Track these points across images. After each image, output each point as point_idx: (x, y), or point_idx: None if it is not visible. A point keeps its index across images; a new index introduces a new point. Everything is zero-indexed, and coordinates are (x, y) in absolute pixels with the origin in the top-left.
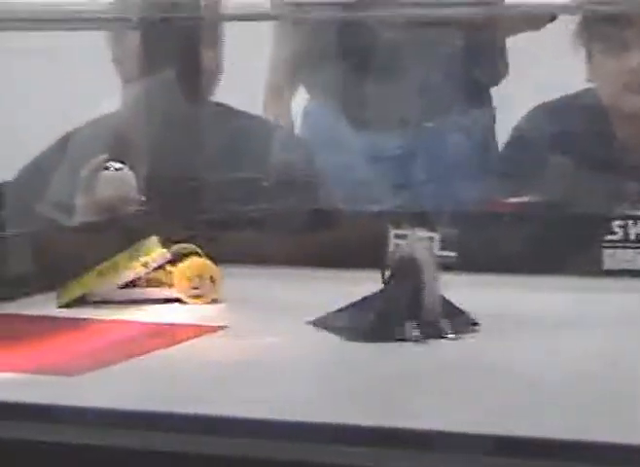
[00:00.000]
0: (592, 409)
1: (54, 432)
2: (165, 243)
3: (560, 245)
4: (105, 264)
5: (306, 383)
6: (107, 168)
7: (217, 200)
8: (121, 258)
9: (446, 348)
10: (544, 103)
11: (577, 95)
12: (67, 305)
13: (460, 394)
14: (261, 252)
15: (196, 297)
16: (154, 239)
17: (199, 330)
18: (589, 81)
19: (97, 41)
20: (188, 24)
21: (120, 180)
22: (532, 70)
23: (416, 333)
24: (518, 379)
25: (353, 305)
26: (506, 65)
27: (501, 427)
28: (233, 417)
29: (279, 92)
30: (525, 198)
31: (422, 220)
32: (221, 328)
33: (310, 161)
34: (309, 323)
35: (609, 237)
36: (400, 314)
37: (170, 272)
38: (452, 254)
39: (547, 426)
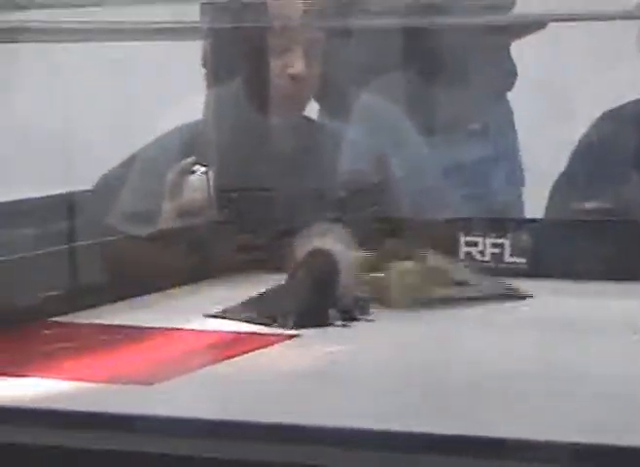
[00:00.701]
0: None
1: (135, 442)
2: None
3: (631, 252)
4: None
5: None
6: (193, 172)
7: (288, 210)
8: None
9: None
10: (610, 110)
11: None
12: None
13: None
14: None
15: None
16: None
17: (272, 339)
18: None
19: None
20: (257, 34)
21: (205, 183)
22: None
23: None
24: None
25: (267, 295)
26: (515, 70)
27: None
28: (312, 426)
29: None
30: (596, 205)
31: (493, 226)
32: (293, 337)
33: (382, 171)
34: (211, 315)
35: None
36: (323, 302)
37: None
38: (523, 260)
39: None
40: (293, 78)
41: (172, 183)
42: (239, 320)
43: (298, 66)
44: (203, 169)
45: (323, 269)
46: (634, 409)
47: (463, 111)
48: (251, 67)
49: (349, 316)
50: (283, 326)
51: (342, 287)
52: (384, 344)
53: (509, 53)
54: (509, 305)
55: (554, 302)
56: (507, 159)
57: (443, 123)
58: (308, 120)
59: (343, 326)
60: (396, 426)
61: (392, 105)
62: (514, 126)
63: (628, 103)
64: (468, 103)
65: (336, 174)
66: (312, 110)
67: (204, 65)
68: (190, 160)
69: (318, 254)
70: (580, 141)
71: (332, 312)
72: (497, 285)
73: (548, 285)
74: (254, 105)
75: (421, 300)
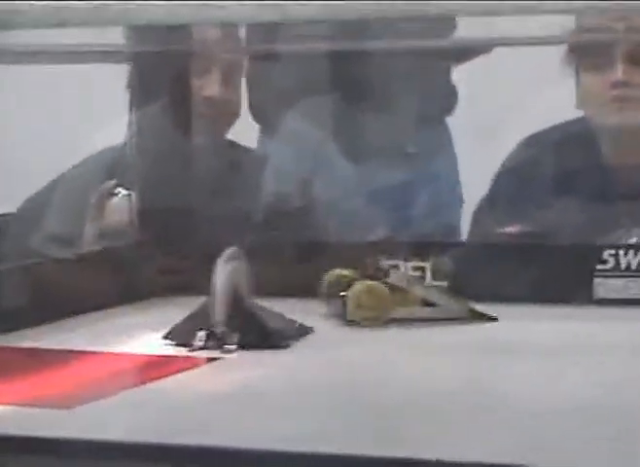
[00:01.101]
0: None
1: (52, 465)
2: None
3: (553, 275)
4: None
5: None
6: (116, 194)
7: (211, 232)
8: None
9: None
10: (533, 134)
11: (566, 124)
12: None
13: None
14: (253, 283)
15: None
16: None
17: (192, 362)
18: (579, 107)
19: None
20: (180, 58)
21: (127, 206)
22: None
23: (201, 342)
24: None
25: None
26: (456, 94)
27: None
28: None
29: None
30: (517, 229)
31: (414, 250)
32: (213, 360)
33: (303, 193)
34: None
35: (600, 267)
36: (194, 324)
37: None
38: (444, 284)
39: None
40: (207, 100)
41: (94, 205)
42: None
43: (213, 89)
44: (126, 192)
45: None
46: (547, 430)
47: (394, 135)
48: (174, 90)
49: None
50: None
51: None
52: (311, 367)
53: (448, 77)
54: (439, 328)
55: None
56: (444, 181)
57: (373, 146)
58: (232, 143)
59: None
60: (309, 448)
61: (316, 129)
62: (452, 149)
63: (552, 128)
64: (399, 127)
65: (259, 197)
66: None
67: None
68: (112, 182)
69: None
70: (502, 165)
71: (199, 335)
72: (463, 307)
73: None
74: (177, 128)
75: (382, 319)
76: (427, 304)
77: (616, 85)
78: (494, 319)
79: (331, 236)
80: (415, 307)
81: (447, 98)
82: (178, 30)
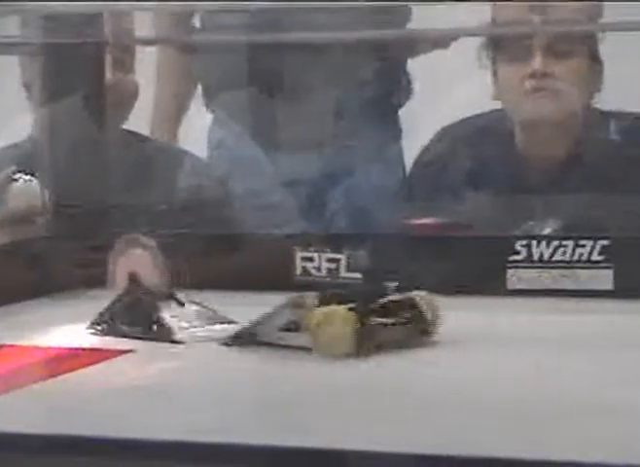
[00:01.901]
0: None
1: None
2: None
3: (466, 266)
4: None
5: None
6: (16, 180)
7: (124, 225)
8: None
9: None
10: (449, 125)
11: (481, 116)
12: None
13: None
14: (170, 274)
15: None
16: None
17: (104, 354)
18: (496, 98)
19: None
20: (93, 49)
21: (30, 191)
22: (438, 91)
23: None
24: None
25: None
26: (410, 87)
27: None
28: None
29: (169, 118)
30: (432, 220)
31: (329, 242)
32: (125, 352)
33: (218, 186)
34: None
35: (512, 257)
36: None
37: None
38: (358, 276)
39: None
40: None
41: None
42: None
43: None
44: (27, 177)
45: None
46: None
47: (327, 127)
48: (89, 81)
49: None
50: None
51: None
52: (218, 362)
53: (402, 69)
54: None
55: None
56: (388, 173)
57: (301, 137)
58: (137, 134)
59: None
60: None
61: (235, 124)
62: (398, 142)
63: (467, 119)
64: (335, 119)
65: (175, 189)
66: None
67: (26, 83)
68: (11, 168)
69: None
70: (418, 157)
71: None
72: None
73: None
74: (89, 119)
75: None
76: None
77: (533, 75)
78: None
79: (246, 230)
80: None
81: (396, 91)
82: (92, 20)
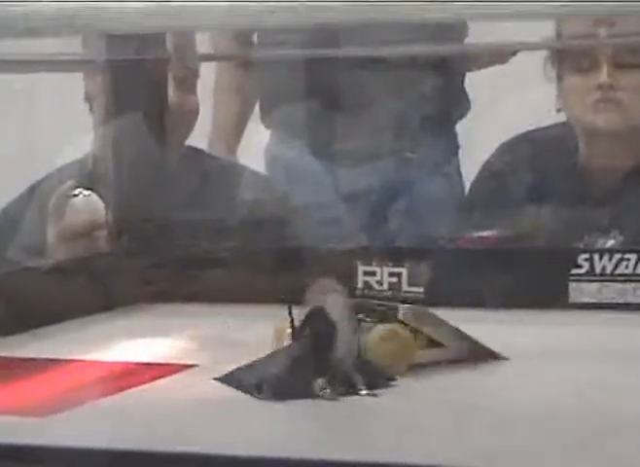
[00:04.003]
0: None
1: None
2: None
3: (530, 280)
4: None
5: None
6: (76, 195)
7: (186, 241)
8: None
9: None
10: (512, 138)
11: (545, 129)
12: None
13: None
14: (231, 291)
15: None
16: None
17: (170, 369)
18: (561, 110)
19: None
20: (155, 66)
21: (90, 205)
22: (499, 106)
23: (326, 390)
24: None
25: (261, 360)
26: (468, 101)
27: None
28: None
29: (228, 135)
30: (494, 233)
31: (391, 256)
32: (190, 367)
33: (279, 201)
34: (217, 379)
35: (575, 271)
36: (308, 370)
37: None
38: (420, 289)
39: None
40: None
41: (54, 207)
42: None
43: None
44: (86, 192)
45: (318, 332)
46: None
47: (384, 140)
48: (148, 99)
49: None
50: (258, 396)
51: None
52: None
53: (460, 84)
54: None
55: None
56: (442, 186)
57: (361, 151)
58: (199, 151)
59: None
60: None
61: (293, 139)
62: (456, 155)
63: (528, 132)
64: (392, 132)
65: (236, 205)
66: None
67: (89, 98)
68: (70, 182)
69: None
70: (481, 169)
71: (319, 383)
72: (471, 346)
73: (445, 314)
74: (151, 136)
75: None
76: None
77: (599, 87)
78: (504, 358)
79: (307, 244)
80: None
81: (454, 105)
82: (150, 38)
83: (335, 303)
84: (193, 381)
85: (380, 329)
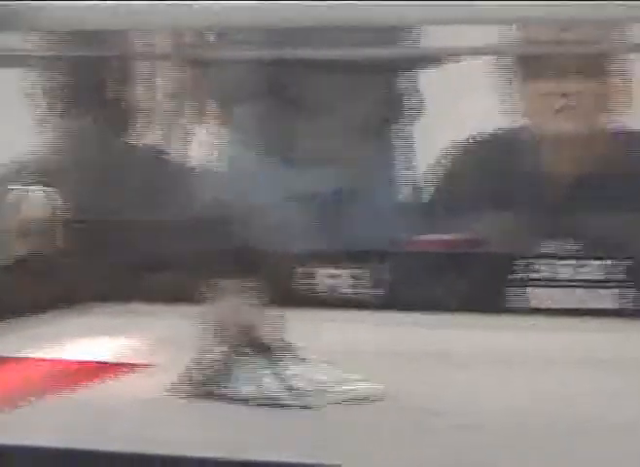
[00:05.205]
0: None
1: None
2: None
3: (489, 284)
4: None
5: None
6: (28, 192)
7: (138, 240)
8: None
9: None
10: (469, 141)
11: (504, 132)
12: None
13: None
14: (183, 291)
15: None
16: None
17: (121, 368)
18: (521, 115)
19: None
20: (99, 63)
21: (41, 204)
22: (453, 108)
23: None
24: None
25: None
26: (421, 103)
27: None
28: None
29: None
30: (451, 236)
31: (350, 258)
32: (142, 366)
33: (234, 202)
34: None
35: (531, 276)
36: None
37: None
38: (381, 292)
39: None
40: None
41: (7, 204)
42: None
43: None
44: (39, 189)
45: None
46: None
47: (334, 142)
48: (96, 97)
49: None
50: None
51: None
52: None
53: (413, 86)
54: None
55: (413, 333)
56: (399, 189)
57: (318, 153)
58: (157, 149)
59: None
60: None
61: (251, 138)
62: (411, 157)
63: (483, 136)
64: (341, 135)
65: (187, 204)
66: None
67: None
68: (23, 180)
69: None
70: (436, 172)
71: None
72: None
73: (406, 317)
74: (105, 134)
75: None
76: None
77: (561, 94)
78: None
79: (262, 246)
80: None
81: (393, 107)
82: (95, 36)
83: (234, 307)
84: (143, 381)
85: None
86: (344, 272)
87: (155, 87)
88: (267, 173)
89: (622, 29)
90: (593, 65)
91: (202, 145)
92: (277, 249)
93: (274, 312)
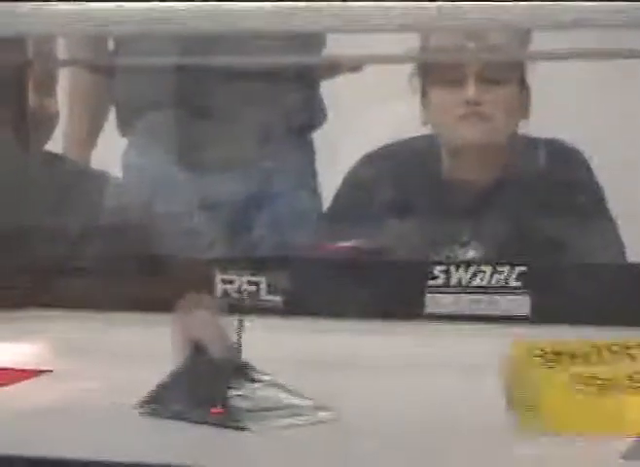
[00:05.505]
0: None
1: None
2: None
3: (388, 291)
4: None
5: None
6: None
7: (46, 247)
8: None
9: None
10: (376, 149)
11: (409, 141)
12: None
13: None
14: (91, 297)
15: None
16: None
17: (23, 374)
18: (425, 123)
19: None
20: (15, 69)
21: None
22: (357, 116)
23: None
24: None
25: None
26: (324, 110)
27: None
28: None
29: (82, 140)
30: (352, 243)
31: (249, 265)
32: (44, 372)
33: (138, 208)
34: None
35: (431, 282)
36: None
37: None
38: (278, 298)
39: None
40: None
41: None
42: None
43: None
44: None
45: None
46: None
47: (242, 149)
48: (10, 104)
49: None
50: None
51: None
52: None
53: (314, 93)
54: None
55: (311, 340)
56: (300, 196)
57: (219, 160)
58: (59, 156)
59: None
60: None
61: (151, 146)
62: (312, 165)
63: (390, 144)
64: (249, 141)
65: (96, 211)
66: None
67: None
68: None
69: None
70: (343, 180)
71: None
72: None
73: (304, 324)
74: (11, 141)
75: None
76: None
77: (466, 102)
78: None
79: (168, 252)
80: None
81: (311, 114)
82: (9, 43)
83: (203, 321)
84: (45, 387)
85: None
86: (242, 279)
87: (56, 93)
88: (172, 180)
89: (525, 36)
90: (496, 72)
91: (105, 152)
92: (182, 256)
93: (230, 330)
